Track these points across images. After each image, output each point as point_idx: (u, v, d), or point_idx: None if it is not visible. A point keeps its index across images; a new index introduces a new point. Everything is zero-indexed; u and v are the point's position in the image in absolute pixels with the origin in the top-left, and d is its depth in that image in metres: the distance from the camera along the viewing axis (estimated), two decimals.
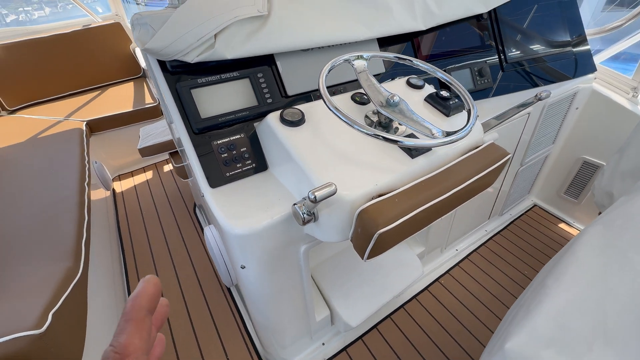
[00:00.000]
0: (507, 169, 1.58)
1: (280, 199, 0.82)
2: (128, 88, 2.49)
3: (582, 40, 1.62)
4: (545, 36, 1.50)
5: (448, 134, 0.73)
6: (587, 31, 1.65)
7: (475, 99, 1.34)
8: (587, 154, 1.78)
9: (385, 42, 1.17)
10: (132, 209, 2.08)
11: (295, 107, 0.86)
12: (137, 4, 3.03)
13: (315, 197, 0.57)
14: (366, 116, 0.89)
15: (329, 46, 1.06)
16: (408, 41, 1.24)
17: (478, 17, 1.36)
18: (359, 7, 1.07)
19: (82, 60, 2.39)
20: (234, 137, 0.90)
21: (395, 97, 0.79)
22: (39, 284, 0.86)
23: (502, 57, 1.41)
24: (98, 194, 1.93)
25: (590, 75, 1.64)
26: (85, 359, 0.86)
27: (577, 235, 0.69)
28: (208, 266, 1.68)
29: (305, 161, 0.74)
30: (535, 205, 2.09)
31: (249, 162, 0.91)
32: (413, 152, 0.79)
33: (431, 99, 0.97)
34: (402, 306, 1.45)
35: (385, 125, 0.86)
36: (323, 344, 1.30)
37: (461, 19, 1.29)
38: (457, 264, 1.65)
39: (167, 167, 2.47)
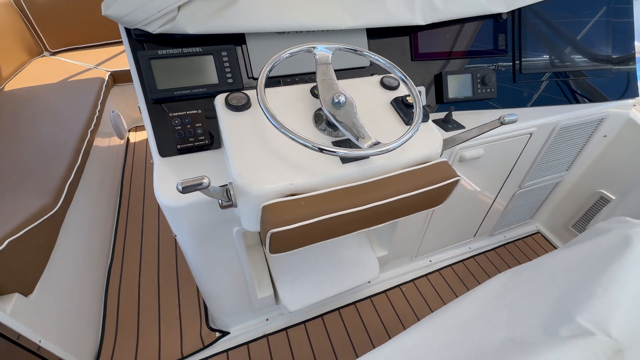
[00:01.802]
0: (499, 189, 1.46)
1: (216, 179, 0.84)
2: None
3: (629, 58, 1.39)
4: (579, 49, 1.31)
5: (375, 144, 0.70)
6: (638, 47, 1.41)
7: (472, 108, 1.24)
8: (605, 189, 1.58)
9: (377, 34, 1.10)
10: (139, 159, 2.25)
11: (244, 91, 0.86)
12: None
13: (181, 188, 0.58)
14: (318, 111, 0.87)
15: (308, 31, 1.02)
16: (406, 36, 1.15)
17: (496, 17, 1.22)
18: None
19: None
20: (190, 112, 0.92)
21: (341, 97, 0.76)
22: (11, 215, 0.99)
23: (517, 65, 1.26)
24: (110, 141, 2.10)
25: (630, 101, 1.42)
26: (43, 282, 0.99)
27: (491, 278, 0.65)
28: None
29: (232, 148, 0.75)
30: (538, 233, 1.93)
31: (202, 137, 0.93)
32: (344, 157, 0.77)
33: (396, 104, 0.91)
34: (354, 303, 1.46)
35: (332, 124, 0.83)
36: (267, 319, 1.37)
37: (474, 16, 1.16)
38: (425, 275, 1.60)
39: None
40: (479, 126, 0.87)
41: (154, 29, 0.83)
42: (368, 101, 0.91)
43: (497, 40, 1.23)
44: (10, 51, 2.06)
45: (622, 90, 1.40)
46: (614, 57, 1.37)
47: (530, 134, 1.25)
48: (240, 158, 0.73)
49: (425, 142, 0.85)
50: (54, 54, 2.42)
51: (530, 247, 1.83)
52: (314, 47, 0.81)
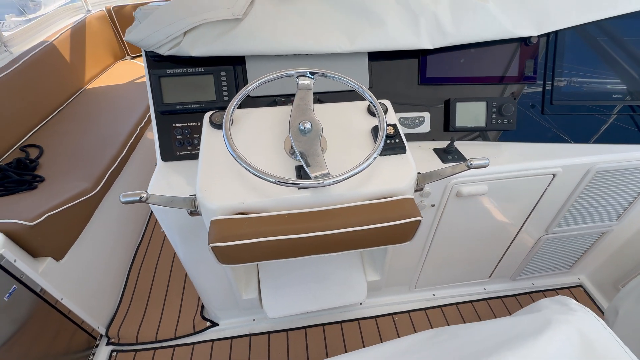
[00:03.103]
0: (518, 231, 1.29)
1: None
2: None
3: None
4: (630, 77, 1.10)
5: (323, 176, 0.70)
6: None
7: (489, 139, 1.13)
8: None
9: (382, 57, 1.09)
10: None
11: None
12: None
13: (123, 199, 0.67)
14: None
15: (306, 54, 1.05)
16: (415, 58, 1.11)
17: (524, 41, 1.09)
18: (347, 17, 1.01)
19: None
20: (191, 124, 1.04)
21: (307, 124, 0.78)
22: (59, 193, 1.24)
23: (549, 95, 1.11)
24: None
25: None
26: (73, 251, 1.21)
27: (419, 332, 0.60)
28: None
29: (202, 162, 0.83)
30: (580, 286, 1.65)
31: (199, 147, 1.04)
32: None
33: (374, 132, 0.89)
34: (340, 322, 1.44)
35: None
36: (254, 320, 1.44)
37: (494, 40, 1.06)
38: (424, 308, 1.50)
39: None
40: (452, 166, 0.81)
41: (164, 51, 0.96)
42: (349, 127, 0.91)
43: (522, 66, 1.10)
44: (100, 55, 2.52)
45: None
46: None
47: (554, 174, 1.09)
48: (205, 173, 0.80)
49: (396, 175, 0.82)
50: (133, 57, 2.87)
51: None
52: (290, 74, 0.84)
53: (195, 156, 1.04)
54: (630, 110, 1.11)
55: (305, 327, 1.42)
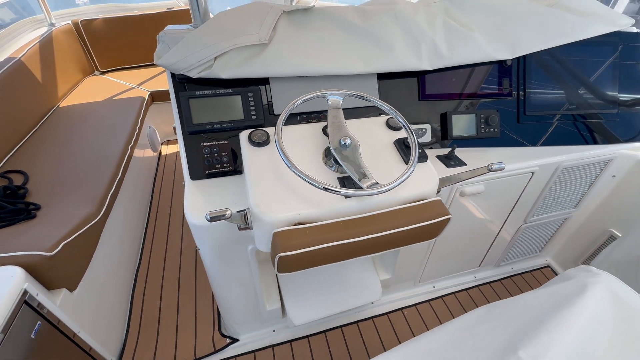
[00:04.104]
0: (503, 223, 1.51)
1: (236, 203, 0.98)
2: None
3: (637, 102, 1.43)
4: (584, 91, 1.37)
5: (373, 185, 0.80)
6: None
7: (478, 145, 1.32)
8: (616, 228, 1.58)
9: (388, 77, 1.22)
10: (169, 170, 2.46)
11: (265, 129, 0.99)
12: None
13: (209, 217, 0.71)
14: (327, 149, 0.99)
15: (325, 76, 1.15)
16: (414, 78, 1.26)
17: (501, 63, 1.31)
18: (360, 44, 1.13)
19: None
20: (219, 142, 1.07)
21: (347, 140, 0.87)
22: (65, 220, 1.17)
23: (522, 107, 1.34)
24: (145, 153, 2.33)
25: (638, 144, 1.44)
26: (85, 280, 1.15)
27: (470, 311, 0.72)
28: None
29: (251, 179, 0.88)
30: (548, 267, 1.93)
31: (227, 165, 1.08)
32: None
33: (398, 144, 1.02)
34: (356, 322, 1.53)
35: (338, 161, 0.94)
36: (274, 330, 1.47)
37: (480, 62, 1.26)
38: (428, 300, 1.65)
39: None
40: (472, 170, 0.96)
41: (194, 74, 1.00)
42: (373, 140, 1.02)
43: (501, 83, 1.32)
44: (69, 71, 2.36)
45: (631, 132, 1.43)
46: (621, 99, 1.41)
47: (532, 172, 1.30)
48: (257, 189, 0.86)
49: (422, 181, 0.94)
50: (103, 73, 2.72)
51: (537, 281, 1.83)
52: (327, 94, 0.94)
53: (224, 174, 1.07)
54: (583, 118, 1.38)
55: (324, 332, 1.48)
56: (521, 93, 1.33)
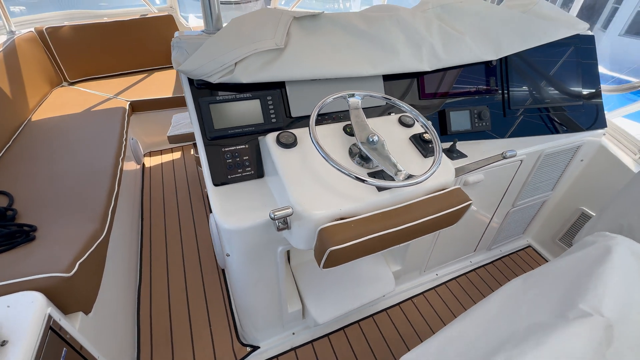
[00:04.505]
0: (496, 208, 1.65)
1: (266, 205, 0.98)
2: (171, 74, 2.77)
3: (596, 94, 1.64)
4: (555, 87, 1.55)
5: (409, 177, 0.86)
6: (603, 87, 1.67)
7: (472, 139, 1.44)
8: (585, 206, 1.80)
9: (392, 78, 1.30)
10: (156, 183, 2.35)
11: (291, 130, 1.02)
12: None
13: (274, 216, 0.73)
14: (352, 147, 1.04)
15: (336, 78, 1.20)
16: (414, 78, 1.35)
17: (487, 63, 1.44)
18: (368, 48, 1.20)
19: (135, 45, 2.69)
20: (239, 147, 1.07)
21: (375, 137, 0.92)
22: (72, 239, 1.09)
23: (507, 102, 1.48)
24: (129, 165, 2.20)
25: (600, 131, 1.66)
26: (97, 302, 1.08)
27: (505, 284, 0.80)
28: (210, 247, 1.89)
29: (287, 179, 0.90)
30: (529, 247, 2.13)
31: (249, 169, 1.08)
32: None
33: (414, 139, 1.09)
34: (371, 315, 1.58)
35: (365, 157, 0.99)
36: (293, 333, 1.47)
37: (470, 63, 1.38)
38: (433, 288, 1.75)
39: (193, 152, 2.73)
40: (485, 158, 1.06)
41: (214, 79, 0.99)
42: (391, 137, 1.09)
43: (489, 82, 1.46)
44: (35, 82, 2.18)
45: (592, 121, 1.65)
46: (584, 93, 1.62)
47: (521, 160, 1.45)
48: (296, 188, 0.88)
49: (442, 172, 1.02)
50: (72, 84, 2.54)
51: (523, 260, 2.02)
52: (351, 95, 0.99)
53: (246, 178, 1.08)
54: (556, 110, 1.56)
55: (342, 328, 1.51)
56: (505, 90, 1.48)
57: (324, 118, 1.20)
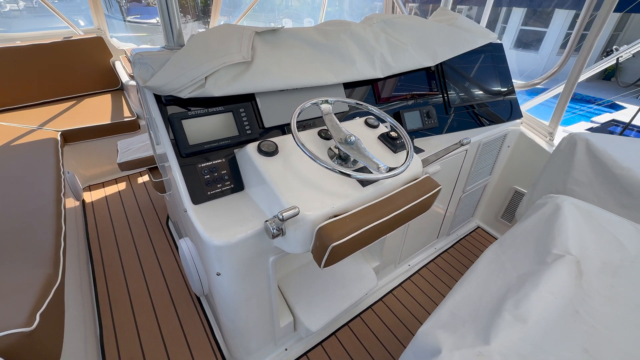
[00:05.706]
0: (450, 195, 1.85)
1: (253, 216, 0.97)
2: (105, 100, 2.54)
3: (511, 91, 1.98)
4: (479, 87, 1.83)
5: (390, 169, 0.94)
6: (515, 83, 2.02)
7: (424, 136, 1.60)
8: (517, 185, 2.11)
9: (350, 86, 1.40)
10: (102, 219, 2.10)
11: (271, 139, 1.03)
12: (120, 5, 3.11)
13: (282, 217, 0.74)
14: (329, 149, 1.09)
15: (302, 88, 1.25)
16: (370, 85, 1.48)
17: (427, 69, 1.65)
18: (328, 59, 1.29)
19: (59, 70, 2.42)
20: (216, 161, 1.05)
21: (352, 137, 0.99)
22: (24, 287, 0.93)
23: (447, 102, 1.70)
24: (68, 203, 1.94)
25: (518, 120, 1.99)
26: (63, 355, 0.93)
27: (484, 251, 0.92)
28: (179, 277, 1.74)
29: (276, 186, 0.91)
30: (478, 227, 2.40)
31: (228, 183, 1.05)
32: (364, 182, 0.99)
33: (383, 138, 1.19)
34: (358, 315, 1.61)
35: (344, 158, 1.05)
36: (286, 349, 1.42)
37: (414, 69, 1.56)
38: (408, 278, 1.86)
39: (141, 180, 2.50)
40: (444, 148, 1.20)
41: (185, 94, 0.97)
42: (362, 137, 1.17)
43: (431, 85, 1.66)
44: None
45: (512, 113, 1.97)
46: (502, 90, 1.93)
47: (466, 150, 1.66)
48: (288, 193, 0.89)
49: (412, 165, 1.13)
50: None
51: (476, 240, 2.26)
52: (326, 101, 1.05)
53: (226, 192, 1.05)
54: (485, 106, 1.84)
55: (334, 333, 1.51)
56: (445, 92, 1.70)
57: (296, 126, 1.23)
